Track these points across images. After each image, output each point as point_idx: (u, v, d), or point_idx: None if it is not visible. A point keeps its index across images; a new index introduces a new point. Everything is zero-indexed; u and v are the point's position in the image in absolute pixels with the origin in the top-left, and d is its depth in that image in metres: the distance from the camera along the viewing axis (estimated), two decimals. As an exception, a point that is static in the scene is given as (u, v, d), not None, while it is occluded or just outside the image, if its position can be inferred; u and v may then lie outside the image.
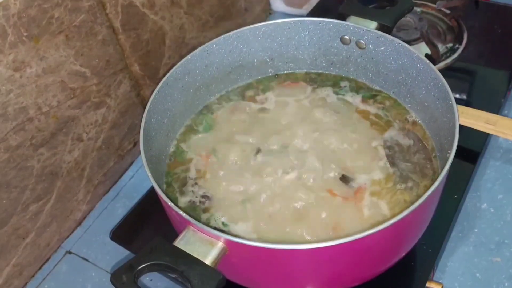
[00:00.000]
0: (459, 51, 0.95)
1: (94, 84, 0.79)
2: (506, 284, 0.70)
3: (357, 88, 0.85)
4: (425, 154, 0.74)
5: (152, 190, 0.80)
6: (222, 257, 0.58)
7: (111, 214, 0.86)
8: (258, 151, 0.77)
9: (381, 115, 0.80)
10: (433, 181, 0.61)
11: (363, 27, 0.79)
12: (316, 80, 0.87)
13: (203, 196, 0.73)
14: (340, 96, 0.84)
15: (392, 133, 0.77)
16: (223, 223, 0.70)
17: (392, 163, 0.73)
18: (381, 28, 0.79)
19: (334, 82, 0.86)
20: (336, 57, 0.86)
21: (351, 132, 0.78)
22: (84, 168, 0.82)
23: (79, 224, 0.85)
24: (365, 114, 0.80)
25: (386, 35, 0.78)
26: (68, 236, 0.84)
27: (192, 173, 0.77)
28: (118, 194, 0.88)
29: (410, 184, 0.71)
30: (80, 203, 0.84)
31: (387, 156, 0.74)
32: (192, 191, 0.74)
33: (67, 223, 0.83)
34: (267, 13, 1.16)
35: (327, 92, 0.85)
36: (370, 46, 0.80)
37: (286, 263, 0.61)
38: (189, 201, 0.73)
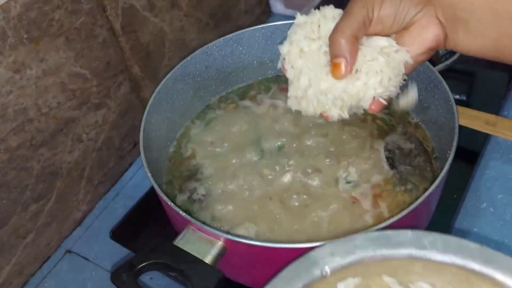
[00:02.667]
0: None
1: (94, 86, 0.80)
2: (506, 284, 0.70)
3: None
4: (425, 157, 0.74)
5: (152, 190, 0.80)
6: (222, 256, 0.58)
7: (111, 214, 0.85)
8: (258, 151, 0.77)
9: (385, 119, 0.80)
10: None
11: (362, 28, 0.79)
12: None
13: (203, 195, 0.73)
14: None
15: (394, 137, 0.77)
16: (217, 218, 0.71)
17: (392, 166, 0.74)
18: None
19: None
20: (335, 58, 0.86)
21: (353, 133, 0.78)
22: (84, 169, 0.83)
23: (79, 224, 0.85)
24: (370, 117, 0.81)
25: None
26: (68, 236, 0.84)
27: (192, 172, 0.77)
28: (118, 194, 0.88)
29: (409, 186, 0.71)
30: (80, 203, 0.84)
31: (387, 158, 0.74)
32: (192, 188, 0.74)
33: (67, 223, 0.83)
34: (267, 15, 1.16)
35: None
36: (370, 47, 0.80)
37: (286, 262, 0.60)
38: (188, 198, 0.74)
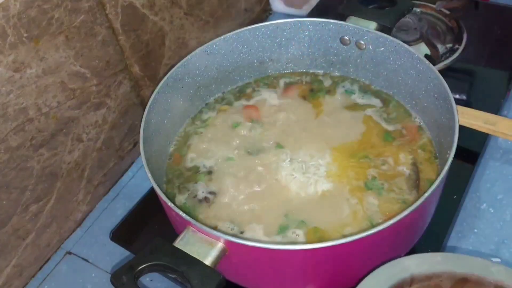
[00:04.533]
0: (459, 51, 0.95)
1: (94, 85, 0.79)
2: (505, 284, 0.70)
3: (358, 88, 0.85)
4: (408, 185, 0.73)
5: (152, 191, 0.80)
6: (222, 257, 0.58)
7: (111, 214, 0.86)
8: (258, 148, 0.78)
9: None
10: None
11: (362, 28, 0.79)
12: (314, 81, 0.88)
13: (204, 194, 0.74)
14: (348, 97, 0.84)
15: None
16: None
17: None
18: (381, 28, 0.80)
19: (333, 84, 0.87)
20: (336, 57, 0.86)
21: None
22: (84, 169, 0.82)
23: (79, 224, 0.85)
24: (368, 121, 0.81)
25: (385, 35, 0.78)
26: (68, 237, 0.84)
27: (192, 171, 0.77)
28: (118, 195, 0.88)
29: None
30: (80, 204, 0.84)
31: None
32: (192, 188, 0.75)
33: (67, 224, 0.83)
34: (267, 13, 1.16)
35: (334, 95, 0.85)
36: (370, 46, 0.80)
37: (286, 263, 0.61)
38: (188, 197, 0.74)
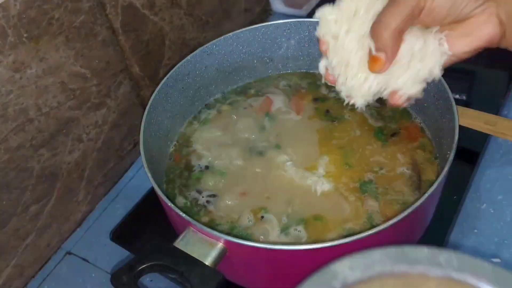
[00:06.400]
0: (459, 51, 0.95)
1: (94, 85, 0.79)
2: (505, 285, 0.70)
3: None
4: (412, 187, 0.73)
5: (152, 191, 0.80)
6: (222, 257, 0.58)
7: (111, 215, 0.85)
8: (257, 148, 0.78)
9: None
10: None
11: (362, 28, 0.79)
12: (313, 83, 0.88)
13: (209, 196, 0.74)
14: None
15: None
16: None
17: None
18: (381, 29, 0.79)
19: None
20: (336, 57, 0.86)
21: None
22: (84, 169, 0.82)
23: (79, 225, 0.85)
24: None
25: (385, 35, 0.78)
26: (68, 237, 0.84)
27: (193, 171, 0.77)
28: (118, 195, 0.88)
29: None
30: (80, 204, 0.84)
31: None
32: (192, 190, 0.75)
33: (67, 224, 0.83)
34: (267, 13, 1.16)
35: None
36: (370, 47, 0.80)
37: (286, 263, 0.61)
38: (190, 199, 0.74)
